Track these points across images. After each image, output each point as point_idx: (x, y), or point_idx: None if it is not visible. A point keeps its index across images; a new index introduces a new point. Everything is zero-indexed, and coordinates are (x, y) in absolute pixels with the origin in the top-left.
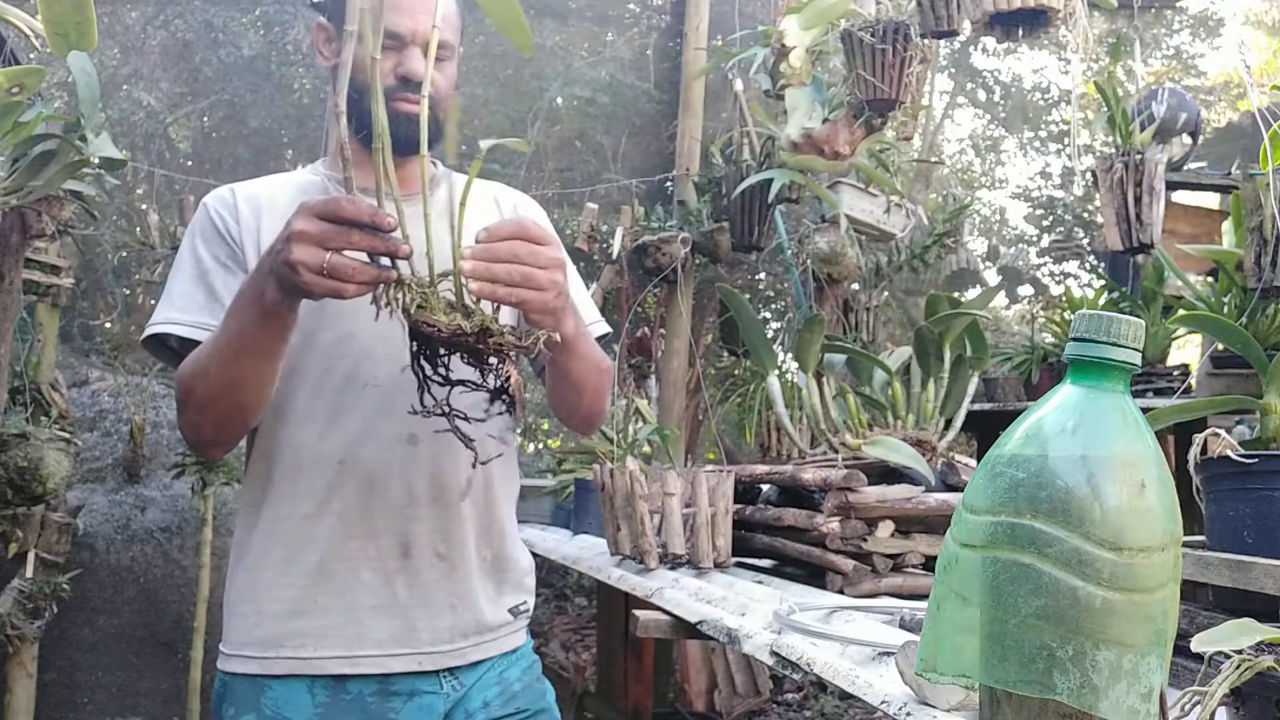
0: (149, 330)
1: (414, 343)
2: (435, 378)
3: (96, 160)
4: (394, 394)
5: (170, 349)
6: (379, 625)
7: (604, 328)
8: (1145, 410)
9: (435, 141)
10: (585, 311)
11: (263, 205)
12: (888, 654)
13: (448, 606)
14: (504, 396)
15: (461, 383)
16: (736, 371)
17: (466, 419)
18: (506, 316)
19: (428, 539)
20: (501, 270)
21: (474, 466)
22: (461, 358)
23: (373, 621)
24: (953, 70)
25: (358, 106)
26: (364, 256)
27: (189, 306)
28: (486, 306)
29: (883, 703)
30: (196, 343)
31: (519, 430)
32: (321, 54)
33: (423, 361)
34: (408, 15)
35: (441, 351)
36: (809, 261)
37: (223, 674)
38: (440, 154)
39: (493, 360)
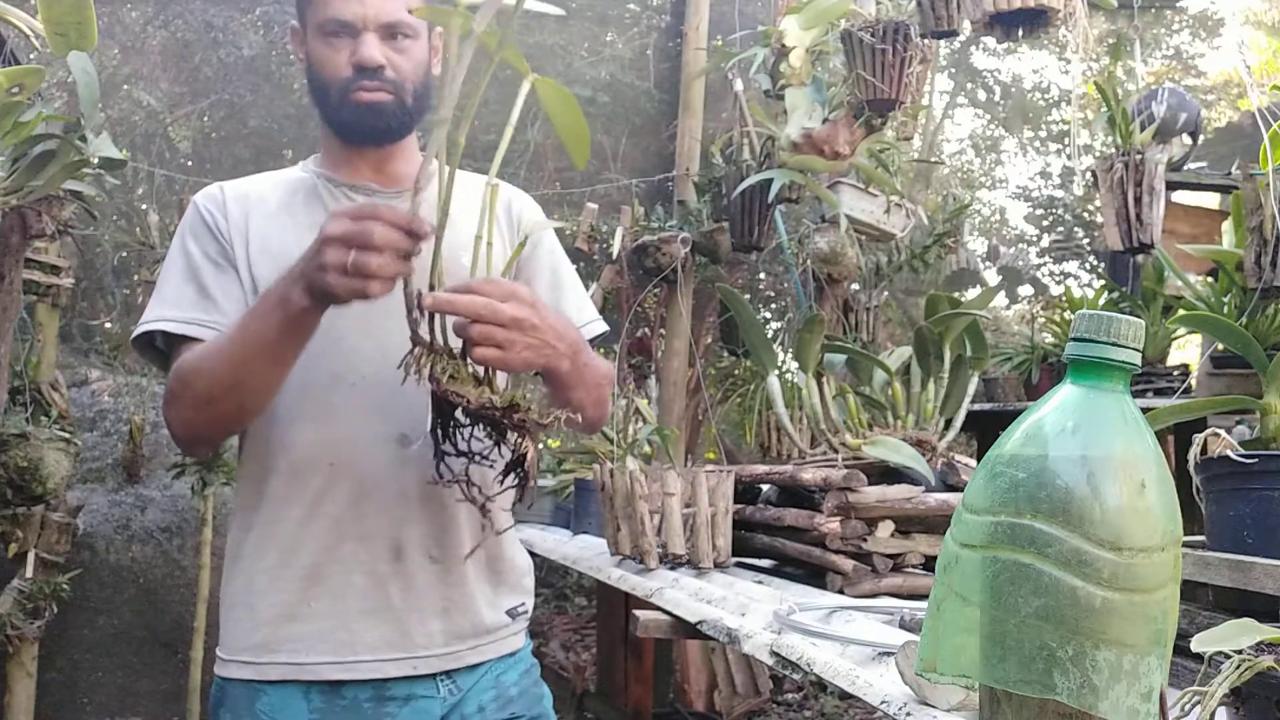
0: (140, 329)
1: (435, 412)
2: (452, 449)
3: (96, 160)
4: (383, 393)
5: (156, 349)
6: (371, 630)
7: (600, 327)
8: (1145, 410)
9: (409, 130)
10: (581, 311)
11: (252, 202)
12: (888, 654)
13: (440, 610)
14: (518, 470)
15: (478, 456)
16: (736, 371)
17: (474, 486)
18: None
19: (420, 541)
20: (456, 326)
21: (485, 530)
22: (483, 429)
23: (364, 626)
24: (953, 70)
25: (322, 101)
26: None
27: (180, 303)
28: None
29: (883, 703)
30: (185, 339)
31: None
32: (297, 56)
33: (441, 430)
34: (356, 2)
35: (464, 421)
36: (809, 261)
37: (219, 679)
38: (422, 143)
39: (512, 435)
